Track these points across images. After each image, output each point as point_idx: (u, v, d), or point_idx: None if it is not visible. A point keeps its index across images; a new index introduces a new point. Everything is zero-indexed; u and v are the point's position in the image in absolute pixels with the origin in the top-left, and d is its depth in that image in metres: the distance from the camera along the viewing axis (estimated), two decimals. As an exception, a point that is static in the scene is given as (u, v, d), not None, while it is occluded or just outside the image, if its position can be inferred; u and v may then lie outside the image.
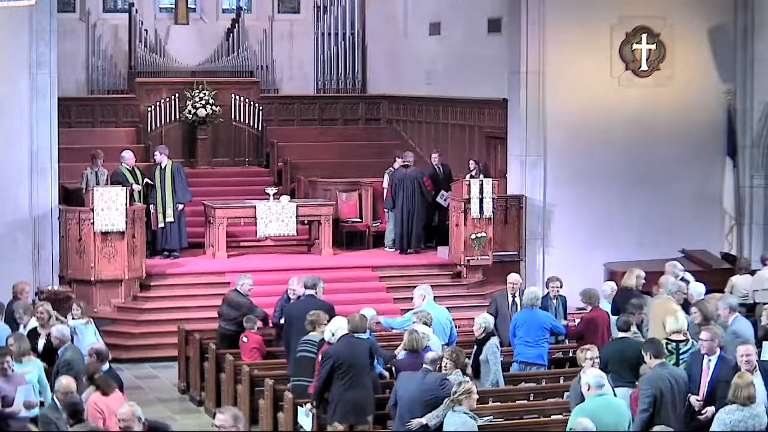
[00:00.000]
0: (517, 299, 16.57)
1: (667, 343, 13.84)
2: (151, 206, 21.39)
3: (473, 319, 15.39)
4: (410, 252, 22.41)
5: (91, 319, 15.92)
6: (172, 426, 11.16)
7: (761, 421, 11.52)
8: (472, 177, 22.08)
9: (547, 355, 15.75)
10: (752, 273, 19.30)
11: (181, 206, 21.58)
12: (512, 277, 16.98)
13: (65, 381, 11.75)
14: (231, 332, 16.85)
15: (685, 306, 15.91)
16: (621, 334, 14.34)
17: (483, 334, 14.61)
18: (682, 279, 17.45)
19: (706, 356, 13.02)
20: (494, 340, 14.49)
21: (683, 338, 13.95)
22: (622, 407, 11.75)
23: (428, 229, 23.11)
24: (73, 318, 15.71)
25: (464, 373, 12.98)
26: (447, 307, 16.69)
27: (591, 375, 11.76)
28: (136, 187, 21.24)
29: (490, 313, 15.93)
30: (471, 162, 22.91)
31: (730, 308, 14.88)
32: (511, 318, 16.12)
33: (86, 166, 21.66)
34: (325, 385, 13.33)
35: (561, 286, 17.28)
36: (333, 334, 13.73)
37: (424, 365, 12.77)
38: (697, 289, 16.66)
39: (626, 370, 13.72)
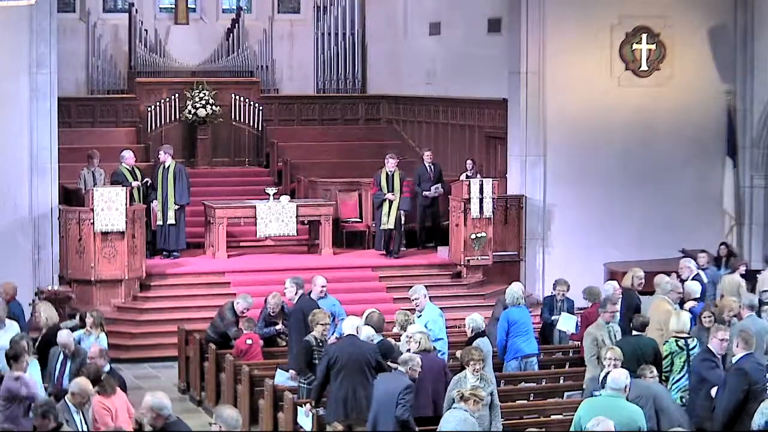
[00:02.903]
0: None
1: (676, 340, 14.01)
2: (153, 203, 21.38)
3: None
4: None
5: (102, 332, 15.28)
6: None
7: None
8: (468, 177, 22.09)
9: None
10: (744, 274, 19.26)
11: (177, 207, 21.54)
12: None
13: (84, 382, 11.71)
14: (212, 340, 16.85)
15: (681, 305, 16.00)
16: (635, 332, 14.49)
17: (472, 334, 14.62)
18: (698, 274, 17.58)
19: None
20: (479, 341, 14.46)
21: (688, 335, 14.11)
22: (634, 413, 11.56)
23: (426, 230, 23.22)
24: (88, 330, 15.27)
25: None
26: (447, 307, 16.73)
27: (611, 376, 11.69)
28: (135, 184, 21.24)
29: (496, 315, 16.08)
30: (468, 162, 22.93)
31: (746, 307, 15.14)
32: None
33: (83, 166, 21.67)
34: (322, 382, 13.34)
35: (568, 290, 17.29)
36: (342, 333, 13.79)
37: (399, 367, 12.78)
38: (692, 287, 16.68)
39: (638, 365, 13.70)
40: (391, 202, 21.87)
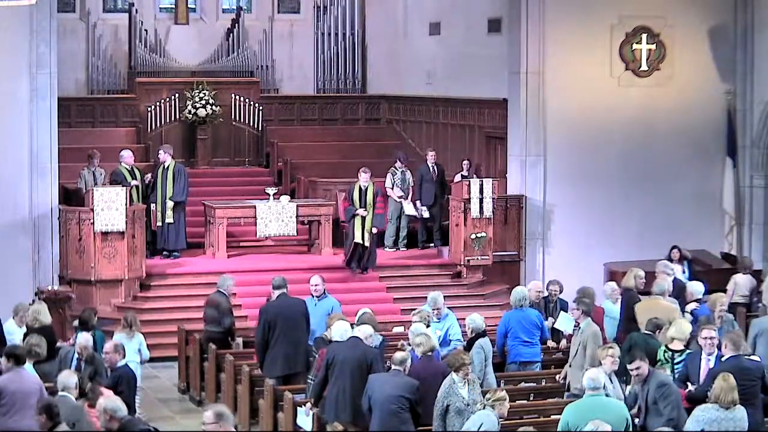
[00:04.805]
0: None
1: (664, 352, 13.80)
2: (152, 205, 21.40)
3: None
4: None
5: (137, 333, 15.58)
6: (161, 426, 10.93)
7: (742, 425, 11.46)
8: (463, 177, 22.09)
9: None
10: (754, 273, 19.27)
11: (171, 204, 21.48)
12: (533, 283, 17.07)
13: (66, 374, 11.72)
14: (214, 336, 16.80)
15: (682, 307, 15.96)
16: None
17: (472, 334, 14.62)
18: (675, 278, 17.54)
19: (706, 356, 13.10)
20: (481, 341, 14.46)
21: (681, 348, 13.79)
22: (619, 408, 11.72)
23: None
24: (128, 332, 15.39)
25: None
26: (447, 308, 16.70)
27: (587, 376, 11.80)
28: (134, 183, 21.26)
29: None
30: (465, 162, 22.94)
31: None
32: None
33: (83, 166, 21.67)
34: (321, 382, 13.35)
35: (561, 291, 17.26)
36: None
37: (393, 367, 12.75)
38: (695, 287, 16.64)
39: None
40: (363, 218, 21.00)
